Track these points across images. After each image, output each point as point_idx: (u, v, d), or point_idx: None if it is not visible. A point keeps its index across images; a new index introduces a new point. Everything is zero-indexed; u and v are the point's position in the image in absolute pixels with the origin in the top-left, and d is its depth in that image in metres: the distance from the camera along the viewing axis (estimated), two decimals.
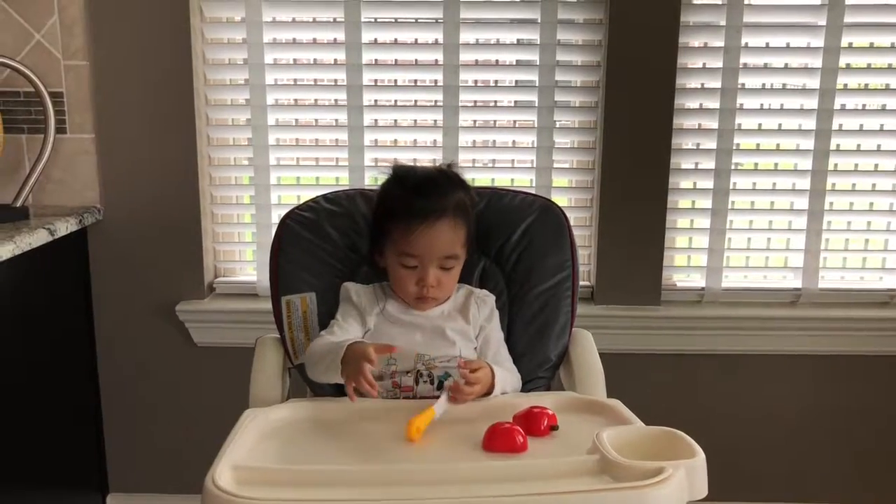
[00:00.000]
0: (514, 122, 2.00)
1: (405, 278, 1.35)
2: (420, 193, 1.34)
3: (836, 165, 2.00)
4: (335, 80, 1.97)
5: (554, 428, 1.17)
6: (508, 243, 1.51)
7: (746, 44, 1.93)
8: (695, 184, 2.02)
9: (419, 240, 1.32)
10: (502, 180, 2.01)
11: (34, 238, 1.67)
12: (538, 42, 1.93)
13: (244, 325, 1.94)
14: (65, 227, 1.80)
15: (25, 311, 1.75)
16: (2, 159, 1.84)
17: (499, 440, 1.11)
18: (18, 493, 1.74)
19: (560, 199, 1.65)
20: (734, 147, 1.98)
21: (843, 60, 1.94)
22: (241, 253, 2.11)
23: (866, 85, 2.00)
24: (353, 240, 1.50)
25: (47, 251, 1.73)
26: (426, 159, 1.98)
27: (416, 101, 1.98)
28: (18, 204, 1.83)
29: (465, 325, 1.38)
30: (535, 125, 1.98)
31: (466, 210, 1.38)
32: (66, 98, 1.91)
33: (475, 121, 1.99)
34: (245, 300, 2.03)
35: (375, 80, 1.96)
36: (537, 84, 1.95)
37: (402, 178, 1.39)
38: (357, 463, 1.07)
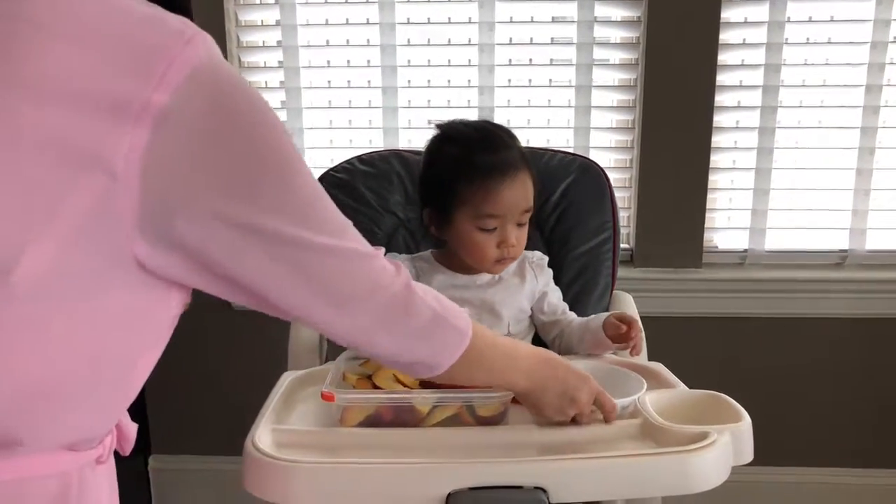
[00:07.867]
0: (550, 80, 1.95)
1: (483, 243, 1.23)
2: (489, 149, 1.22)
3: (884, 122, 1.92)
4: (367, 40, 1.93)
5: None
6: (547, 204, 1.48)
7: None
8: (735, 142, 1.96)
9: (503, 198, 1.20)
10: (538, 140, 1.96)
11: None
12: None
13: None
14: None
15: None
16: None
17: None
18: None
19: (598, 160, 1.61)
20: (778, 104, 1.91)
21: (895, 12, 1.85)
22: None
23: None
24: (389, 201, 1.49)
25: None
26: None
27: (449, 60, 1.94)
28: None
29: (520, 293, 1.31)
30: (573, 83, 1.93)
31: (528, 157, 1.29)
32: None
33: (510, 79, 1.95)
34: None
35: (409, 39, 1.92)
36: (575, 41, 1.90)
37: (454, 136, 1.27)
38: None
